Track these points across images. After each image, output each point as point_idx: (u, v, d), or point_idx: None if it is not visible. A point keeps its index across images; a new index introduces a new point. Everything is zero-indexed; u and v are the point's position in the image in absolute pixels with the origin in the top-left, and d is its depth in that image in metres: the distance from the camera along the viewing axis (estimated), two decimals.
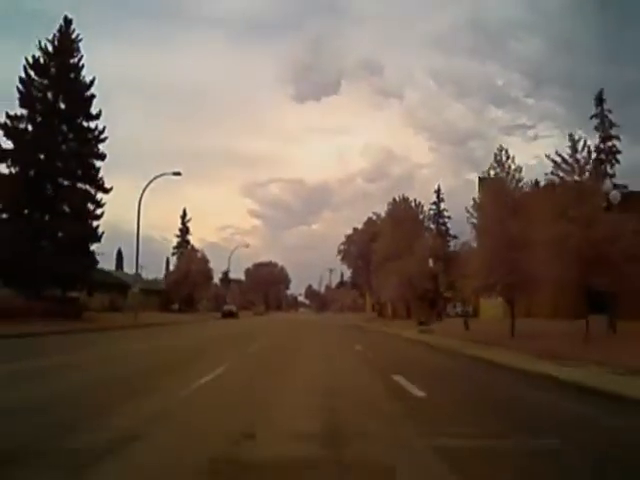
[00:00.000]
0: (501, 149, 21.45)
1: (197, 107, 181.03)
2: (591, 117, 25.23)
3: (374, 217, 65.06)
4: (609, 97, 30.06)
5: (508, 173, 20.90)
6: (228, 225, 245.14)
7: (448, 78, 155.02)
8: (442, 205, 62.13)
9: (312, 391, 8.12)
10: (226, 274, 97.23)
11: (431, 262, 38.49)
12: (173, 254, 77.43)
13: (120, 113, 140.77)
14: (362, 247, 64.78)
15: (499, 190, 20.51)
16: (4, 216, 32.71)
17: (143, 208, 36.89)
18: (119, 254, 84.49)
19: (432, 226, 57.30)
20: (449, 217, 61.65)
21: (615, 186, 21.81)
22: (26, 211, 32.28)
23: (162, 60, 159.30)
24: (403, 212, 51.75)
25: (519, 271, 18.24)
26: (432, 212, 59.02)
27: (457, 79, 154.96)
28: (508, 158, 20.96)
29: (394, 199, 53.79)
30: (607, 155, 25.18)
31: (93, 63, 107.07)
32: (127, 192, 75.98)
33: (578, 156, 17.74)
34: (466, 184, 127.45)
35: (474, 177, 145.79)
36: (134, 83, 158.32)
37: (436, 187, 64.31)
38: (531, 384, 10.17)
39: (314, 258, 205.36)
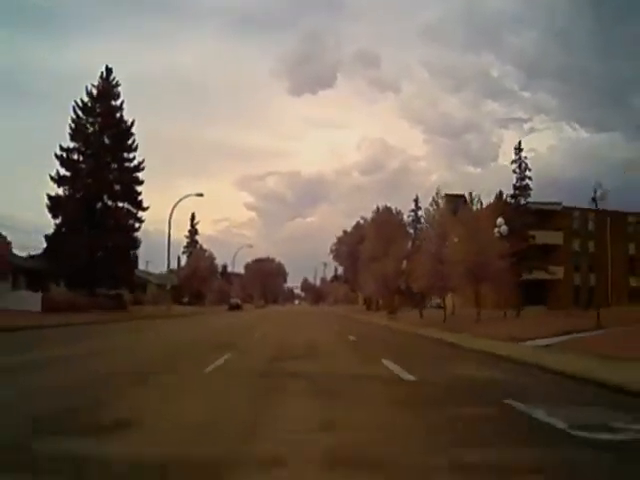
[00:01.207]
0: (438, 192, 30.51)
1: (192, 100, 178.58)
2: (511, 162, 34.28)
3: (362, 221, 74.13)
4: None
5: (437, 207, 29.95)
6: (224, 218, 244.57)
7: (443, 71, 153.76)
8: (419, 212, 70.80)
9: (305, 340, 17.06)
10: (225, 268, 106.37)
11: (405, 263, 47.26)
12: (183, 252, 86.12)
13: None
14: (351, 248, 73.85)
15: (431, 221, 29.59)
16: (63, 230, 41.47)
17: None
18: None
19: (411, 231, 65.71)
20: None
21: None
22: (82, 226, 41.04)
23: (157, 53, 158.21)
24: (385, 219, 60.81)
25: (444, 278, 27.30)
26: (411, 218, 67.46)
27: (452, 72, 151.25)
28: (439, 201, 30.02)
29: (377, 207, 62.90)
30: (522, 190, 33.91)
31: (91, 54, 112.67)
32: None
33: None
34: (461, 177, 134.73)
35: (470, 170, 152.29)
36: (129, 75, 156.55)
37: (414, 196, 73.07)
38: (430, 342, 19.07)
39: (310, 250, 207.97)
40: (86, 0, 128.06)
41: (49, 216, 41.40)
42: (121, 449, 4.37)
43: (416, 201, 71.71)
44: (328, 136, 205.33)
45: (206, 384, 8.22)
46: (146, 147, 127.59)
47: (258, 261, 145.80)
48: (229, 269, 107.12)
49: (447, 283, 27.47)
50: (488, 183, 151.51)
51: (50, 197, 41.54)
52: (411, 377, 9.05)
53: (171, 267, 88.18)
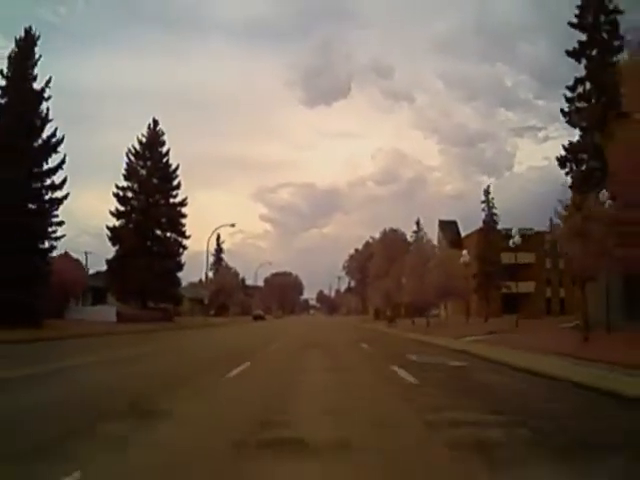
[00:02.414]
0: (417, 221, 39.06)
1: (207, 113, 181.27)
2: (481, 202, 42.64)
3: (370, 240, 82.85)
4: None
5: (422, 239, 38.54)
6: (239, 230, 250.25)
7: (457, 80, 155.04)
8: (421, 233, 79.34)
9: (320, 336, 25.70)
10: (243, 281, 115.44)
11: (404, 280, 55.81)
12: (210, 269, 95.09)
13: (132, 118, 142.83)
14: (361, 264, 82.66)
15: (418, 249, 38.22)
16: (121, 255, 50.55)
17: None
18: None
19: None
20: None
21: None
22: (136, 252, 50.09)
23: (172, 66, 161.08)
24: (391, 240, 69.58)
25: (424, 295, 35.83)
26: (413, 239, 76.02)
27: (466, 81, 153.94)
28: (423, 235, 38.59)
29: (384, 230, 71.69)
30: (492, 223, 42.38)
31: (107, 69, 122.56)
32: None
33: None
34: (475, 187, 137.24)
35: (484, 180, 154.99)
36: (145, 88, 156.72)
37: (416, 219, 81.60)
38: (402, 339, 27.57)
39: (325, 260, 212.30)
40: (102, 16, 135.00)
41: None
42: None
43: (417, 223, 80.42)
44: (343, 147, 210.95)
45: (274, 354, 16.94)
46: None
47: (276, 275, 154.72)
48: (250, 282, 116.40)
49: (427, 298, 36.04)
50: (503, 193, 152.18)
51: (109, 228, 50.75)
52: (370, 348, 17.78)
53: (196, 281, 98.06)
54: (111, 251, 50.56)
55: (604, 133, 16.88)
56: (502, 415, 6.53)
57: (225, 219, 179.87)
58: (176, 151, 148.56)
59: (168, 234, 51.94)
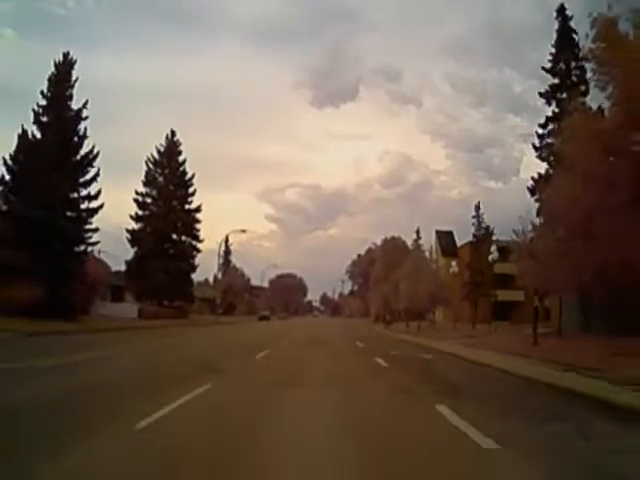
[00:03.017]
0: (419, 238, 42.77)
1: (215, 113, 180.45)
2: (472, 217, 46.43)
3: (372, 247, 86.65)
4: None
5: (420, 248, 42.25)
6: (245, 229, 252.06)
7: (466, 85, 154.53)
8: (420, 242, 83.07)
9: (322, 340, 29.50)
10: (248, 281, 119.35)
11: (400, 286, 59.55)
12: (219, 270, 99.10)
13: (140, 116, 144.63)
14: (363, 269, 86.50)
15: (413, 258, 41.96)
16: (138, 254, 54.48)
17: None
18: None
19: None
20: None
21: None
22: (154, 254, 54.02)
23: (181, 67, 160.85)
24: (391, 247, 73.27)
25: (416, 301, 39.54)
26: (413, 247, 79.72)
27: (475, 86, 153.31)
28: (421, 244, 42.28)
29: (385, 238, 75.44)
30: (482, 236, 46.05)
31: (116, 67, 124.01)
32: None
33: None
34: (482, 191, 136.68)
35: (491, 185, 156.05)
36: (154, 88, 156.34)
37: (416, 229, 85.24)
38: (393, 339, 31.28)
39: (330, 262, 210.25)
40: (113, 14, 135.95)
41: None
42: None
43: (417, 232, 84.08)
44: (349, 149, 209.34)
45: (286, 346, 20.74)
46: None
47: (281, 276, 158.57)
48: (255, 282, 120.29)
49: (420, 304, 39.79)
50: (509, 198, 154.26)
51: (129, 231, 54.73)
52: (363, 345, 21.55)
53: (202, 280, 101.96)
54: (127, 251, 54.72)
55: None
56: (429, 382, 10.33)
57: (231, 218, 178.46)
58: (183, 149, 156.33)
59: (183, 238, 55.89)
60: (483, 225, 44.46)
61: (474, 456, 4.95)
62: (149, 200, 55.93)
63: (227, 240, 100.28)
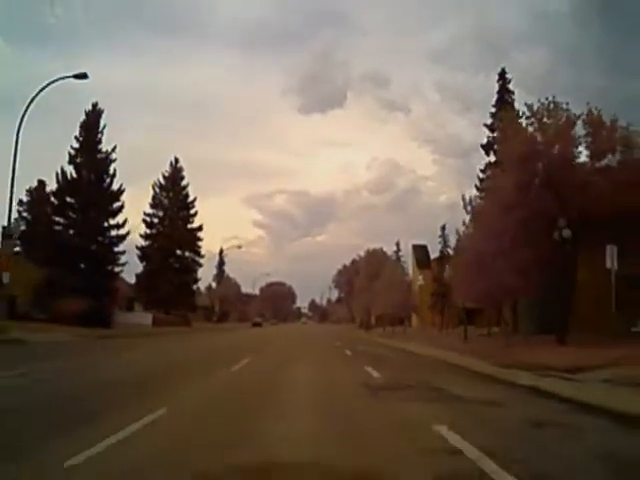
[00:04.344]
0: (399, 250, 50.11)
1: (202, 118, 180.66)
2: (439, 242, 54.04)
3: (357, 257, 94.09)
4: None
5: (398, 261, 49.60)
6: (233, 236, 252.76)
7: (453, 91, 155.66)
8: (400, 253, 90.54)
9: (310, 342, 36.68)
10: (238, 288, 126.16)
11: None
12: (213, 280, 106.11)
13: (127, 122, 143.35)
14: (348, 279, 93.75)
15: (388, 271, 49.35)
16: (147, 268, 61.38)
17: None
18: None
19: None
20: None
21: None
22: (161, 268, 60.92)
23: (168, 72, 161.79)
24: (374, 258, 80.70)
25: (390, 309, 46.82)
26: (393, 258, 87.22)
27: (462, 92, 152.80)
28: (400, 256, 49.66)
29: (368, 250, 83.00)
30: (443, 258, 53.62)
31: (104, 72, 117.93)
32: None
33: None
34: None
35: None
36: (142, 94, 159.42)
37: (396, 242, 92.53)
38: (367, 340, 38.52)
39: (318, 268, 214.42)
40: (100, 19, 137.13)
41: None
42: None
43: (397, 244, 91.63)
44: (338, 155, 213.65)
45: (280, 345, 27.95)
46: (154, 162, 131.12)
47: (271, 285, 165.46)
48: (247, 290, 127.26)
49: (393, 312, 47.12)
50: None
51: (138, 247, 61.63)
52: (339, 344, 28.84)
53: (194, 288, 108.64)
54: (136, 265, 61.65)
55: None
56: (370, 360, 17.60)
57: (218, 223, 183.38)
58: (169, 154, 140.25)
59: (186, 254, 62.93)
60: (448, 243, 51.94)
61: (369, 379, 12.18)
62: (156, 220, 62.96)
63: (221, 252, 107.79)
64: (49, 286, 35.53)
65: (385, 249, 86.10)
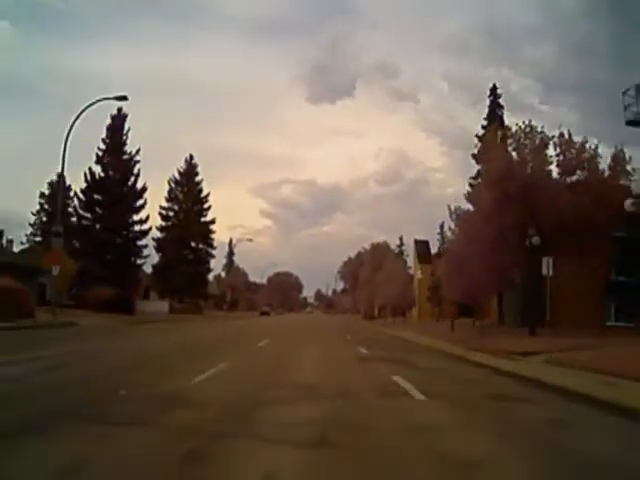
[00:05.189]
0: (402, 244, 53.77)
1: (210, 107, 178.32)
2: (437, 240, 57.11)
3: (362, 250, 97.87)
4: None
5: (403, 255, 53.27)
6: (239, 224, 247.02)
7: (462, 82, 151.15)
8: (403, 247, 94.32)
9: (315, 329, 40.47)
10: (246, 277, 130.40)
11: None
12: (223, 269, 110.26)
13: (133, 109, 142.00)
14: (353, 270, 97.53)
15: (390, 265, 53.06)
16: (163, 259, 65.30)
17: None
18: None
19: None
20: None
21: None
22: (176, 259, 64.81)
23: (177, 60, 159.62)
24: (379, 251, 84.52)
25: (390, 301, 50.53)
26: (397, 250, 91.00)
27: (471, 84, 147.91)
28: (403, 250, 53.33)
29: (372, 243, 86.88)
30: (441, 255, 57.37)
31: (110, 60, 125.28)
32: None
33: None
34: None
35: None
36: (150, 82, 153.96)
37: (399, 237, 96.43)
38: (369, 329, 42.25)
39: (325, 258, 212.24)
40: (103, 6, 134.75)
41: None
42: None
43: (401, 239, 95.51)
44: (345, 145, 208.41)
45: (290, 330, 31.72)
46: (163, 151, 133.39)
47: (278, 275, 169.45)
48: (255, 279, 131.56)
49: (393, 303, 50.82)
50: None
51: (155, 239, 65.53)
52: (343, 331, 32.65)
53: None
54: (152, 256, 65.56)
55: None
56: (364, 343, 21.37)
57: (226, 212, 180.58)
58: (178, 143, 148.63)
59: (200, 245, 66.83)
60: (446, 240, 55.50)
61: (358, 355, 15.89)
62: (171, 214, 66.80)
63: (231, 243, 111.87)
64: (80, 276, 39.45)
65: (392, 240, 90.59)
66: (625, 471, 4.52)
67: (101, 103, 27.97)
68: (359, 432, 5.44)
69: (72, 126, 27.32)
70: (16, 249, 48.61)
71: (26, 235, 57.91)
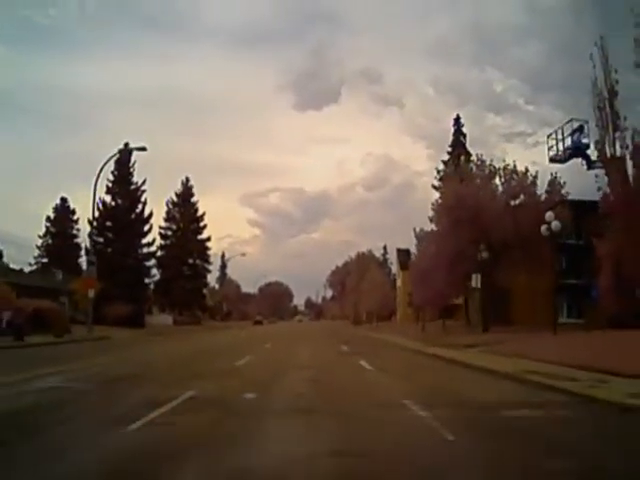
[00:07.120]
0: (386, 253, 59.32)
1: (196, 116, 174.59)
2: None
3: (349, 259, 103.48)
4: None
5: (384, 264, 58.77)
6: (227, 234, 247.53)
7: (447, 85, 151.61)
8: (387, 255, 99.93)
9: (307, 335, 45.76)
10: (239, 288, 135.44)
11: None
12: (216, 282, 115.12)
13: (121, 121, 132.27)
14: (341, 278, 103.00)
15: (372, 273, 58.54)
16: (163, 276, 70.29)
17: None
18: None
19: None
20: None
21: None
22: (175, 274, 69.85)
23: (162, 70, 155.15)
24: (364, 261, 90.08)
25: (373, 307, 55.97)
26: (382, 259, 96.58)
27: (456, 86, 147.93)
28: (387, 259, 58.86)
29: (358, 253, 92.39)
30: None
31: (97, 72, 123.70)
32: None
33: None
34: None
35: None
36: (135, 92, 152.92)
37: (383, 245, 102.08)
38: (352, 333, 47.56)
39: (314, 265, 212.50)
40: (89, 19, 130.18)
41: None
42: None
43: (385, 247, 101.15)
44: (332, 152, 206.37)
45: (284, 337, 37.00)
46: (149, 161, 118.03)
47: (269, 284, 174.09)
48: (247, 290, 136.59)
49: (376, 309, 56.24)
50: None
51: (155, 257, 70.49)
52: (329, 334, 38.01)
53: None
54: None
55: None
56: (347, 342, 26.77)
57: (213, 222, 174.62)
58: (163, 152, 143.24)
59: (197, 262, 72.00)
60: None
61: (340, 351, 21.27)
62: (170, 233, 71.92)
63: (223, 256, 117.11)
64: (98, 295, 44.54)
65: (380, 244, 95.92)
66: (454, 388, 9.99)
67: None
68: (332, 381, 11.11)
69: (99, 175, 32.50)
70: (15, 266, 52.85)
71: (34, 257, 62.92)
